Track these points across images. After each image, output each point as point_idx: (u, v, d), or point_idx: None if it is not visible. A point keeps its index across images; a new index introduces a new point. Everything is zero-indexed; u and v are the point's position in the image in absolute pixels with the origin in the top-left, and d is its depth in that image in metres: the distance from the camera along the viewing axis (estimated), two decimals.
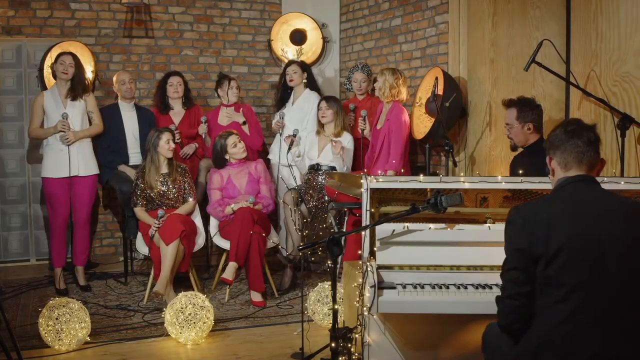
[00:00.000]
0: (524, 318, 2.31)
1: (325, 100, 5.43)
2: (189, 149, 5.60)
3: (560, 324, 2.20)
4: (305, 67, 5.85)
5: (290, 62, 5.86)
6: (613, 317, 2.19)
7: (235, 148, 5.11)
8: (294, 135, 5.45)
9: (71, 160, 5.04)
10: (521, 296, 2.29)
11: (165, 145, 4.93)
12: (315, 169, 5.37)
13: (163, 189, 4.97)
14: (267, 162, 5.73)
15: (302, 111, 5.65)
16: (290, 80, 5.72)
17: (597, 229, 2.23)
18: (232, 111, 5.70)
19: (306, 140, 5.54)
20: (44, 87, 5.54)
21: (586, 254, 2.20)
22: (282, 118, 5.67)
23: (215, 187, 5.13)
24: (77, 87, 5.11)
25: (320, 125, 5.43)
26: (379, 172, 4.88)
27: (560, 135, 2.40)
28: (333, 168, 5.31)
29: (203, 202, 5.45)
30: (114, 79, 5.55)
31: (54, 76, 5.15)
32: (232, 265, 4.72)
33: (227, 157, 5.14)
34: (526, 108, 3.96)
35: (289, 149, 5.41)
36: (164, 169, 5.01)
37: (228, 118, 5.65)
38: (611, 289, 2.19)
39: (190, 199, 5.06)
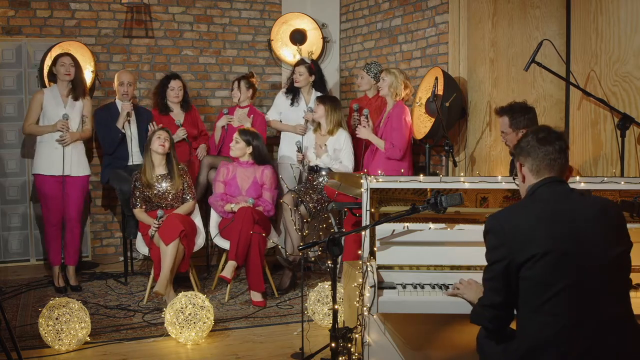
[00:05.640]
0: (496, 327, 2.40)
1: (318, 98, 5.43)
2: (202, 149, 5.65)
3: (549, 325, 2.22)
4: (312, 70, 5.75)
5: (299, 63, 5.80)
6: (599, 312, 2.22)
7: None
8: (299, 149, 5.37)
9: (65, 159, 5.05)
10: (495, 308, 2.37)
11: (157, 141, 4.91)
12: (314, 170, 5.36)
13: (162, 189, 4.96)
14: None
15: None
16: (296, 82, 5.71)
17: (574, 228, 2.28)
18: (244, 115, 5.69)
19: (306, 140, 5.55)
20: (43, 87, 5.53)
21: (567, 254, 2.24)
22: (311, 111, 5.57)
23: (220, 180, 5.13)
24: (78, 88, 5.15)
25: (318, 123, 5.43)
26: (379, 171, 4.87)
27: (532, 142, 2.43)
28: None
29: (202, 201, 5.45)
30: (115, 77, 5.54)
31: (52, 79, 5.14)
32: (231, 264, 4.72)
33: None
34: (517, 114, 3.87)
35: (302, 161, 5.38)
36: (162, 169, 5.00)
37: (239, 120, 5.64)
38: (594, 285, 2.23)
39: (189, 199, 5.06)
